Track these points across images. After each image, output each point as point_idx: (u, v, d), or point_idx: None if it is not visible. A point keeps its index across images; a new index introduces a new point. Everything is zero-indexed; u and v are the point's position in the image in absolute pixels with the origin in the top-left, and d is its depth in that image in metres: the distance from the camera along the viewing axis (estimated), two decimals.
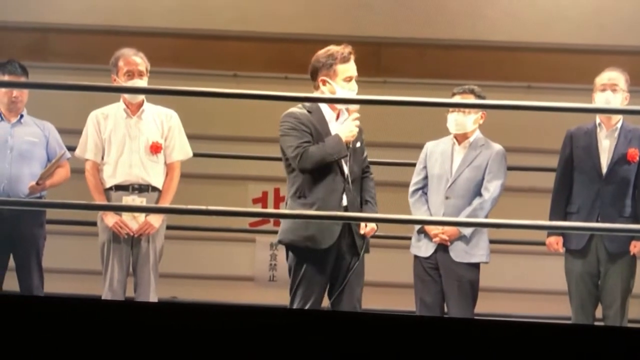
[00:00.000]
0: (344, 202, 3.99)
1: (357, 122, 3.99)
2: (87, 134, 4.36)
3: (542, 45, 4.72)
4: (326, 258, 3.99)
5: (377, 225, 4.06)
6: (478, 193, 4.27)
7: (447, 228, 4.22)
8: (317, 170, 3.97)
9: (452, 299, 4.26)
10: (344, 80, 3.99)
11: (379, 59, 4.76)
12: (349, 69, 3.99)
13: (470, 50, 4.73)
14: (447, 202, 4.25)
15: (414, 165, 4.39)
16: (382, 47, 4.76)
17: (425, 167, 4.34)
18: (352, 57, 3.99)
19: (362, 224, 4.02)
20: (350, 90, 3.99)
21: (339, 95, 3.98)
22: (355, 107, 4.02)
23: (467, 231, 4.22)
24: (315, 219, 3.97)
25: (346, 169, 4.01)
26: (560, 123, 4.42)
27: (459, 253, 4.25)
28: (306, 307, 4.01)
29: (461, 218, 4.24)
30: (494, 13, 4.68)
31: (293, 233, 4.01)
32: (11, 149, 4.46)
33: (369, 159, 4.18)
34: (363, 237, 4.04)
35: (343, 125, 3.99)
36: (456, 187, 4.26)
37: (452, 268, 4.24)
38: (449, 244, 4.23)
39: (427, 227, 4.24)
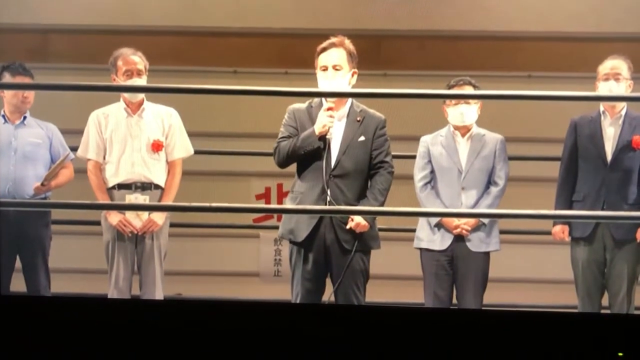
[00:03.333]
0: (328, 196, 4.02)
1: (330, 113, 4.02)
2: (88, 134, 4.39)
3: (542, 34, 4.72)
4: (307, 251, 4.06)
5: (368, 220, 4.05)
6: (488, 182, 4.31)
7: (468, 218, 4.26)
8: (300, 164, 4.08)
9: (467, 289, 4.29)
10: (320, 69, 4.09)
11: (378, 51, 4.77)
12: (324, 58, 4.07)
13: (470, 41, 4.72)
14: (464, 193, 4.27)
15: (414, 157, 4.39)
16: (381, 40, 4.77)
17: (429, 161, 4.34)
18: (335, 47, 4.06)
19: (350, 220, 4.04)
20: (326, 79, 4.05)
21: (320, 85, 4.04)
22: (331, 98, 4.06)
23: (486, 220, 4.28)
24: (316, 214, 4.01)
25: (333, 163, 4.04)
26: (562, 112, 4.42)
27: (475, 243, 4.28)
28: (299, 299, 4.07)
29: (465, 209, 4.27)
30: (493, 3, 4.68)
31: (282, 226, 4.15)
32: (15, 151, 4.49)
33: None
34: (351, 232, 4.05)
35: (317, 119, 4.04)
36: (470, 178, 4.29)
37: (469, 258, 4.28)
38: (468, 234, 4.26)
39: (445, 220, 4.27)
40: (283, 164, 4.10)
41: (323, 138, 4.03)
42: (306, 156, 4.04)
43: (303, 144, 4.03)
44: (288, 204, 4.13)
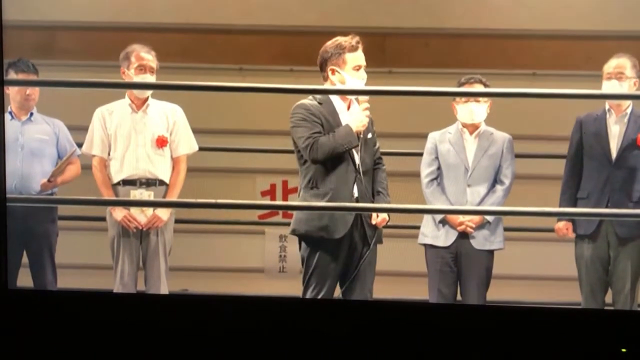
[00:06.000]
0: (355, 193, 4.04)
1: (367, 112, 4.04)
2: (93, 131, 4.43)
3: (547, 32, 4.72)
4: (339, 248, 4.05)
5: (388, 215, 4.11)
6: (494, 180, 4.33)
7: (472, 216, 4.28)
8: (328, 161, 4.03)
9: (470, 287, 4.32)
10: (353, 69, 4.05)
11: (383, 49, 4.78)
12: (358, 57, 4.05)
13: (475, 39, 4.72)
14: (470, 190, 4.28)
15: (421, 154, 4.41)
16: (386, 38, 4.77)
17: (437, 158, 4.36)
18: (360, 47, 4.05)
19: (374, 215, 4.07)
20: (359, 79, 4.04)
21: (348, 84, 4.04)
22: (364, 97, 4.06)
23: (490, 218, 4.30)
24: (325, 210, 4.03)
25: (357, 160, 4.06)
26: (568, 109, 4.42)
27: (479, 241, 4.31)
28: (320, 295, 4.07)
29: (470, 206, 4.29)
30: (498, 0, 4.69)
31: (307, 223, 4.07)
32: (22, 147, 4.51)
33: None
34: (374, 227, 4.08)
35: (353, 116, 4.04)
36: (476, 176, 4.31)
37: (473, 256, 4.31)
38: (472, 231, 4.26)
39: (450, 216, 4.28)
40: (323, 159, 4.01)
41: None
42: (342, 152, 4.03)
43: (344, 140, 4.00)
44: (311, 201, 4.06)
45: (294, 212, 4.16)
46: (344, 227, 4.03)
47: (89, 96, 4.45)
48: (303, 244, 4.11)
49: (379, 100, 4.24)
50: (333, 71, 4.06)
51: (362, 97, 4.06)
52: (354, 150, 4.05)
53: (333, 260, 4.06)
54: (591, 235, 4.32)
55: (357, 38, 4.06)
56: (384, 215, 4.09)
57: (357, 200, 4.05)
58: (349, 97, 4.10)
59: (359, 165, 4.06)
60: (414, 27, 4.76)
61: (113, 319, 4.20)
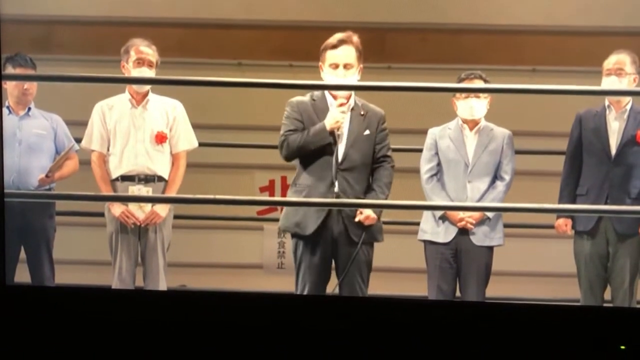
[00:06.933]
0: (336, 189, 4.04)
1: (343, 109, 4.04)
2: (92, 126, 4.42)
3: (547, 28, 4.71)
4: (314, 244, 4.09)
5: (376, 213, 4.08)
6: (494, 176, 4.33)
7: (472, 212, 4.28)
8: (305, 158, 4.08)
9: (470, 283, 4.32)
10: (329, 67, 4.07)
11: (383, 44, 4.77)
12: (335, 55, 4.05)
13: (474, 34, 4.71)
14: (470, 186, 4.28)
15: (420, 150, 4.40)
16: (385, 33, 4.77)
17: (436, 154, 4.36)
18: (344, 45, 4.05)
19: (358, 213, 4.07)
20: (337, 77, 4.05)
21: (326, 81, 4.05)
22: (343, 94, 4.07)
23: (490, 214, 4.30)
24: (321, 206, 4.04)
25: (340, 156, 4.06)
26: (567, 106, 4.42)
27: (479, 237, 4.31)
28: (305, 291, 4.09)
29: (470, 203, 4.29)
30: None
31: (286, 219, 4.16)
32: (20, 142, 4.51)
33: None
34: (360, 225, 4.08)
35: (328, 114, 4.05)
36: (476, 172, 4.31)
37: (473, 252, 4.31)
38: (472, 228, 4.26)
39: (450, 212, 4.28)
40: (291, 157, 4.10)
41: (332, 132, 4.05)
42: (315, 150, 4.04)
43: (314, 138, 4.03)
44: (292, 197, 4.13)
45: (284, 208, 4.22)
46: (313, 223, 4.05)
47: (86, 91, 4.44)
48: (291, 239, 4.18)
49: (378, 97, 4.23)
50: (321, 67, 4.11)
51: (340, 94, 4.07)
52: (338, 147, 4.05)
53: (312, 255, 4.09)
54: (590, 232, 4.33)
55: (340, 36, 4.06)
56: (368, 212, 4.08)
57: (337, 197, 4.05)
58: (334, 92, 4.09)
59: (340, 161, 4.05)
60: (413, 23, 4.75)
61: (111, 315, 4.20)
